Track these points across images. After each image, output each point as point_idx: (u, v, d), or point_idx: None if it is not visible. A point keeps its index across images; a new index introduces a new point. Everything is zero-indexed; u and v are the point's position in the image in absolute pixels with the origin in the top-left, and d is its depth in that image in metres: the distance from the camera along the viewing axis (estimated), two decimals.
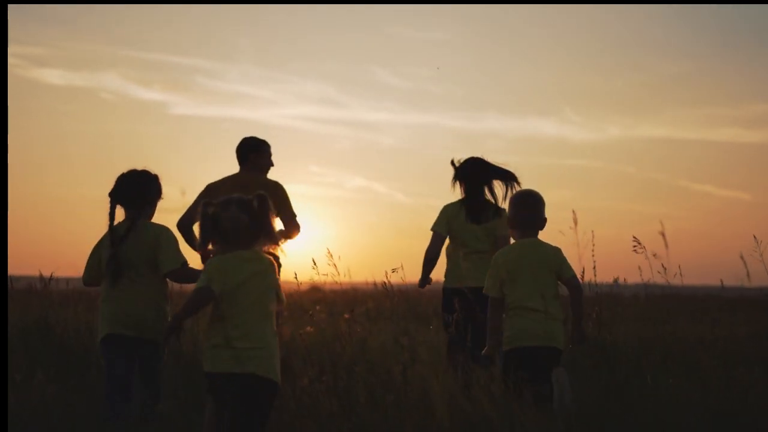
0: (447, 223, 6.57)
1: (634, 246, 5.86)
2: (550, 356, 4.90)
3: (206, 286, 4.20)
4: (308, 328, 7.07)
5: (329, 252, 5.44)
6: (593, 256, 6.44)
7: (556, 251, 5.10)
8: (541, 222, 5.18)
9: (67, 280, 8.55)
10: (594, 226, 6.27)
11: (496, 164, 6.72)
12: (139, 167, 5.37)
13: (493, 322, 5.05)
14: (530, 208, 5.16)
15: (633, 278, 6.84)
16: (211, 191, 6.61)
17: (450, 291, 6.47)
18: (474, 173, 6.65)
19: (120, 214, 5.31)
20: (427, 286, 6.74)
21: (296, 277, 4.51)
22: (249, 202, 4.28)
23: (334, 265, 5.53)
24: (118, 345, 5.13)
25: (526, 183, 6.66)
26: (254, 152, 6.92)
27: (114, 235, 5.20)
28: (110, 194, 5.27)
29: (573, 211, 4.99)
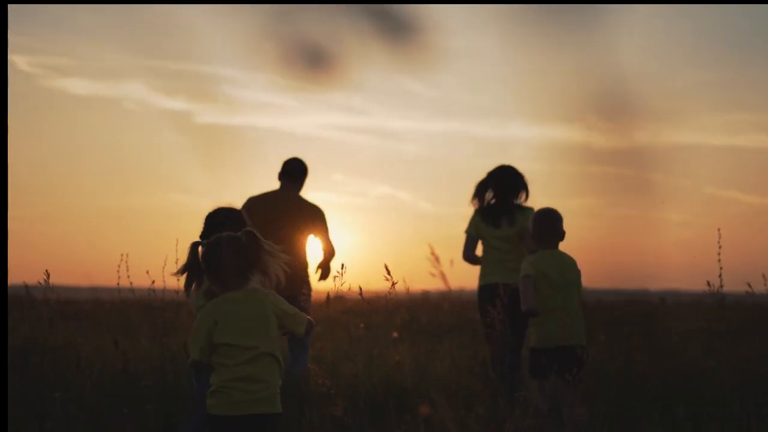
0: (475, 227, 6.85)
1: None
2: (578, 354, 5.41)
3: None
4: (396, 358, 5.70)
5: (435, 256, 4.09)
6: (719, 261, 5.89)
7: (575, 262, 5.81)
8: (562, 235, 5.85)
9: (66, 290, 7.48)
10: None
11: (519, 173, 6.95)
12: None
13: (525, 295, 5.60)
14: (554, 224, 5.83)
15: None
16: (257, 204, 6.95)
17: (482, 289, 6.77)
18: (498, 180, 6.90)
19: None
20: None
21: (360, 292, 3.18)
22: (239, 240, 4.09)
23: (441, 273, 4.19)
24: None
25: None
26: (306, 176, 7.28)
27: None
28: (201, 236, 5.05)
29: None
